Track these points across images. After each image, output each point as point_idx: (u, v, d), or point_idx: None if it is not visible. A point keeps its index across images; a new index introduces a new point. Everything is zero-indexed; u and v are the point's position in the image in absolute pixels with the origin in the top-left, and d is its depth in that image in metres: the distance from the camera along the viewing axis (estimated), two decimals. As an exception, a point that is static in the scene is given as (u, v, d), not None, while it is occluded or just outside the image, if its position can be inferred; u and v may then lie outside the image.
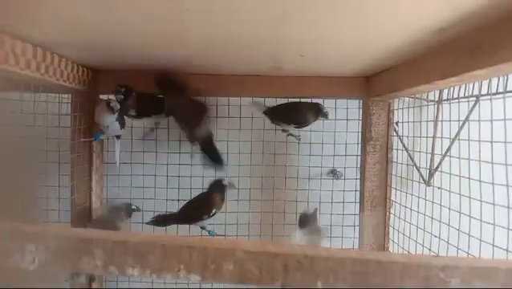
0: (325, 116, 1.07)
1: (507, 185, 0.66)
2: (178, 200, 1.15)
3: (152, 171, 1.17)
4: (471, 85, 0.79)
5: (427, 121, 0.97)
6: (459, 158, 0.79)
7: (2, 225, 0.47)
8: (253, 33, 0.65)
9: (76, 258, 0.45)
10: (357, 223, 1.13)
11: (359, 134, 1.13)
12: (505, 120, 0.67)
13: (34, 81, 0.81)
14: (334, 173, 1.21)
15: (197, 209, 1.06)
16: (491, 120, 0.69)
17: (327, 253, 0.45)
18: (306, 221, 1.03)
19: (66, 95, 1.03)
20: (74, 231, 0.49)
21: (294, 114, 1.08)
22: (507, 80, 0.69)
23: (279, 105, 1.10)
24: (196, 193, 1.12)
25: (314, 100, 1.10)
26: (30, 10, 0.55)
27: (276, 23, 0.59)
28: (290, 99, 1.10)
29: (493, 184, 0.68)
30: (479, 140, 0.72)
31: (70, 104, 1.04)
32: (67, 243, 0.46)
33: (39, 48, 0.75)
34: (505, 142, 0.66)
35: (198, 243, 0.44)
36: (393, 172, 1.08)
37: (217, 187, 1.06)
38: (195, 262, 0.43)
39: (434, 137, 0.87)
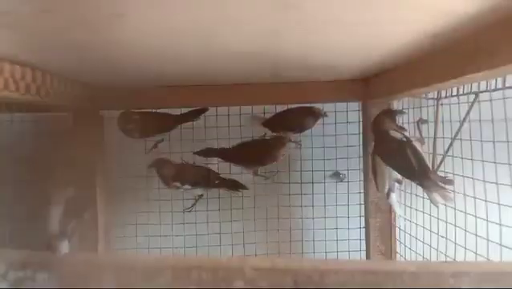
0: (324, 115, 1.07)
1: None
2: (183, 211, 1.16)
3: (156, 184, 1.17)
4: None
5: (427, 121, 0.97)
6: (462, 158, 0.79)
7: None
8: (252, 43, 0.64)
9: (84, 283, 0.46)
10: (363, 225, 1.13)
11: (360, 136, 1.13)
12: (506, 119, 0.67)
13: (35, 103, 0.81)
14: (337, 176, 1.21)
15: None
16: (492, 120, 0.69)
17: (337, 266, 0.45)
18: None
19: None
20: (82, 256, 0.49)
21: (292, 121, 1.08)
22: (505, 77, 0.69)
23: (277, 114, 1.10)
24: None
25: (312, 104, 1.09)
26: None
27: (275, 34, 0.59)
28: (289, 106, 1.10)
29: (497, 184, 0.68)
30: (481, 140, 0.72)
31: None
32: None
33: (38, 71, 0.75)
34: (507, 141, 0.66)
35: (207, 263, 0.44)
36: (396, 173, 1.08)
37: None
38: (205, 282, 0.43)
39: (435, 137, 0.87)
